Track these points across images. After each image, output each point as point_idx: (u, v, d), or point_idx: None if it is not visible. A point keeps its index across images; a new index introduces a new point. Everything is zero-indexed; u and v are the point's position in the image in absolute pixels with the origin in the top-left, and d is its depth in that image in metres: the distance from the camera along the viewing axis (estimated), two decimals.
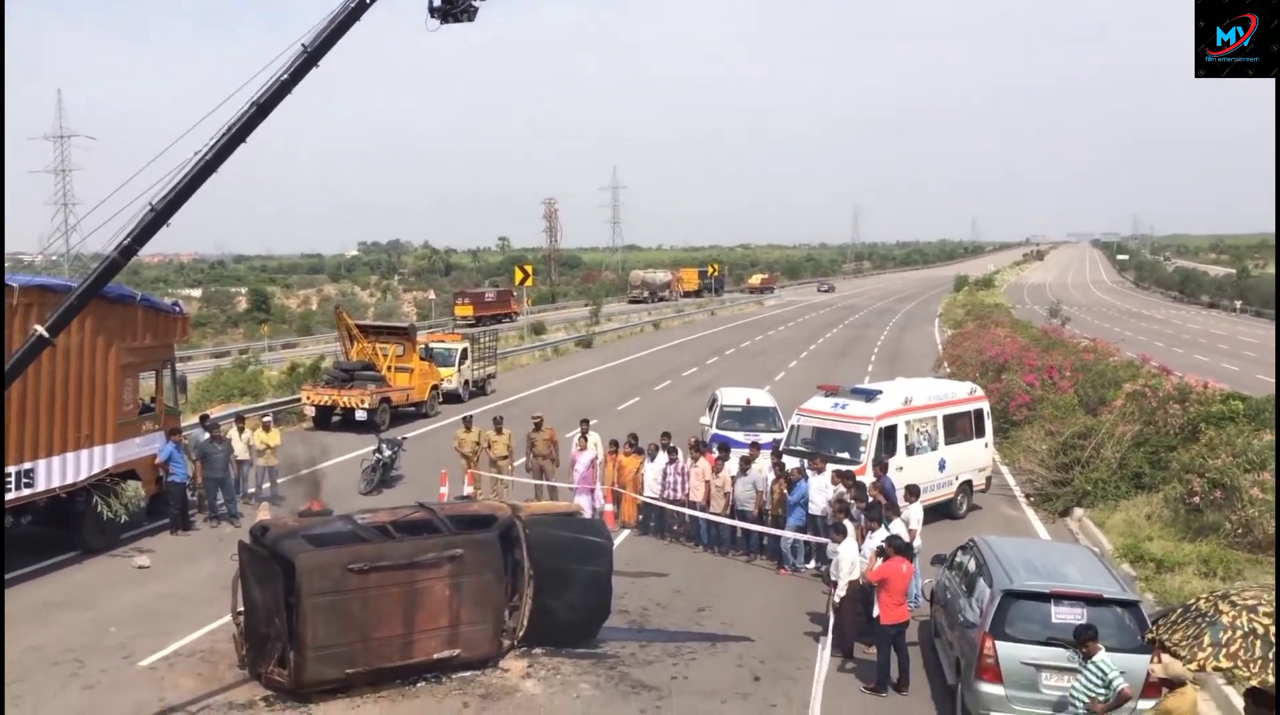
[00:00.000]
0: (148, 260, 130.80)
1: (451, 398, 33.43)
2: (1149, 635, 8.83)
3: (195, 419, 21.84)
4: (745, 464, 17.63)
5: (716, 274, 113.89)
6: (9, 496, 15.00)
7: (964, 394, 21.16)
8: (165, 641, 13.12)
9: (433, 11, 12.02)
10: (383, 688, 11.80)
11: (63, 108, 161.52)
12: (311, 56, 11.01)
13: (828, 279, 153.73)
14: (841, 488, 15.86)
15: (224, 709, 11.33)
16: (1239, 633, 7.32)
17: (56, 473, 15.82)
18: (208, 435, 19.07)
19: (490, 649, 12.58)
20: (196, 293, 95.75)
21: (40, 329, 10.20)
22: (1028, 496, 22.06)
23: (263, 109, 10.82)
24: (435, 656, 12.13)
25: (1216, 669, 7.47)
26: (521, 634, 13.01)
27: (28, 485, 15.31)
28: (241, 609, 12.35)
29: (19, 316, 14.47)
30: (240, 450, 19.86)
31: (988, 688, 10.61)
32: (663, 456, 18.59)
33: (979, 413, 20.96)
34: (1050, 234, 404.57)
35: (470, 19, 12.16)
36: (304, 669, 11.35)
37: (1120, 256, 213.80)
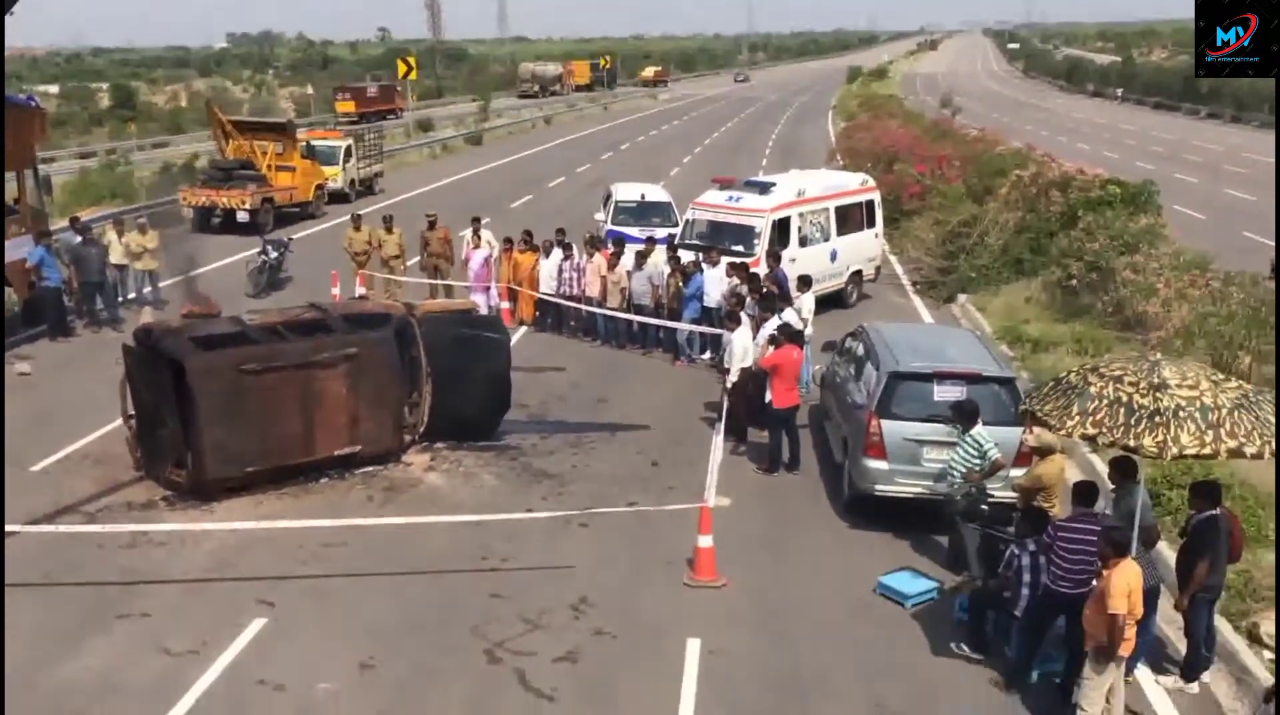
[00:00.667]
0: None
1: (338, 198, 32.35)
2: (1022, 408, 9.33)
3: (65, 223, 20.76)
4: (641, 259, 17.66)
5: (609, 67, 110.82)
6: None
7: (856, 185, 21.35)
8: (56, 446, 12.89)
9: None
10: (285, 485, 11.88)
11: None
12: None
13: (743, 70, 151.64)
14: (736, 280, 16.06)
15: (123, 509, 11.30)
16: (1105, 402, 7.73)
17: None
18: (79, 238, 18.19)
19: (391, 444, 12.70)
20: (54, 89, 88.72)
21: None
22: (915, 284, 22.74)
23: None
24: (336, 453, 12.21)
25: (1083, 436, 7.93)
26: (422, 430, 13.14)
27: None
28: (132, 412, 12.15)
29: None
30: (117, 254, 19.03)
31: (873, 463, 11.18)
32: (558, 253, 18.45)
33: (870, 204, 21.22)
34: (944, 23, 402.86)
35: None
36: (204, 469, 11.32)
37: (1011, 45, 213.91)
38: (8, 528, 10.21)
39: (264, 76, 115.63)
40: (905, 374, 11.36)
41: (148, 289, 19.53)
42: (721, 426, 13.52)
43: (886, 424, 11.12)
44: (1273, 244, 19.33)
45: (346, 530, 10.78)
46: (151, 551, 10.45)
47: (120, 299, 19.10)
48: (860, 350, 12.71)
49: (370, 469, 12.43)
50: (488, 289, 19.23)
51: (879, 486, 11.23)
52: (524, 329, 18.70)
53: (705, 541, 10.09)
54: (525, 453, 13.24)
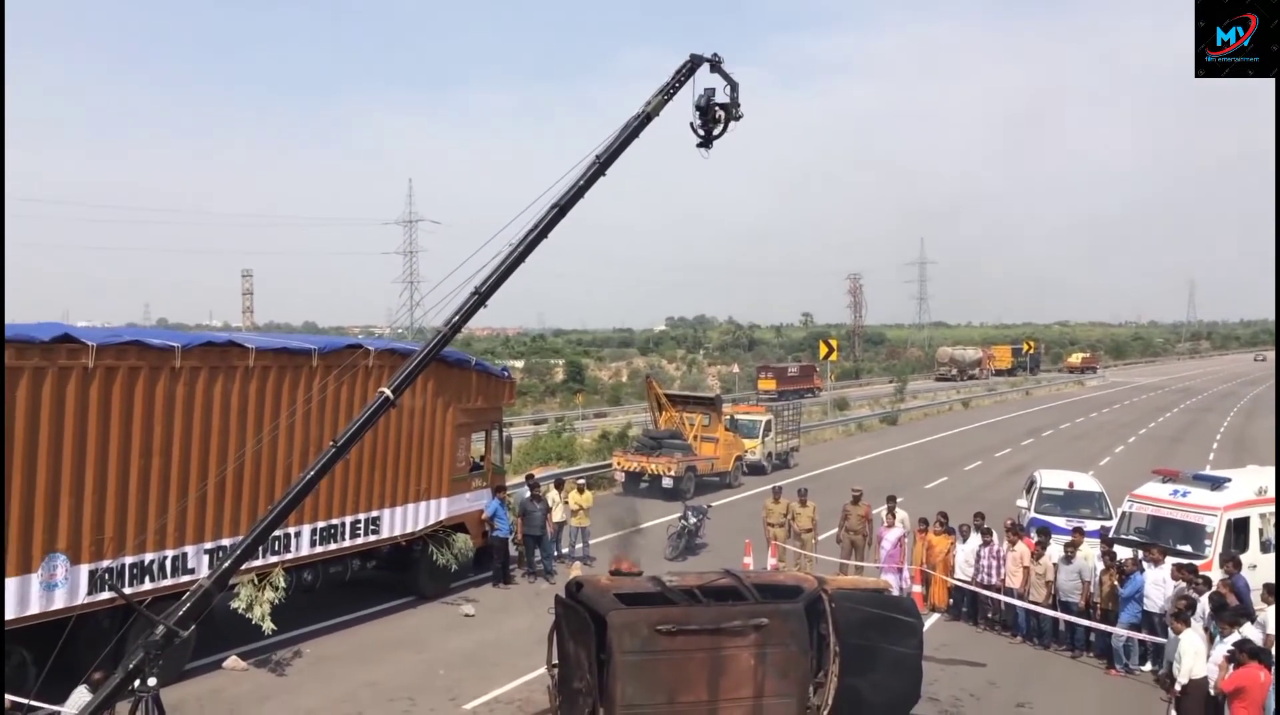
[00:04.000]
0: (479, 332, 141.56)
1: (755, 469, 33.58)
2: None
3: (521, 478, 23.17)
4: (1069, 550, 16.41)
5: (1032, 351, 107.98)
6: (360, 541, 16.54)
7: None
8: (488, 687, 13.89)
9: (701, 144, 12.42)
10: None
11: (413, 195, 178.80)
12: (602, 167, 11.76)
13: (1261, 352, 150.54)
14: (1183, 583, 14.39)
15: None
16: None
17: (399, 522, 17.28)
18: (529, 493, 20.19)
19: None
20: (519, 363, 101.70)
21: (386, 391, 11.18)
22: None
23: (562, 210, 11.66)
24: None
25: None
26: (826, 712, 12.63)
27: (374, 532, 16.81)
28: (556, 661, 12.82)
29: (373, 377, 16.05)
30: (558, 512, 20.80)
31: None
32: (976, 537, 17.66)
33: None
34: None
35: (729, 129, 12.46)
36: None
37: None
38: None
39: (695, 356, 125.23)
40: None
41: (580, 545, 21.08)
42: None
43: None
44: None
45: None
46: None
47: (555, 553, 20.71)
48: None
49: None
50: (900, 570, 18.68)
51: None
52: (936, 616, 17.80)
53: None
54: None
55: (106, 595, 12.50)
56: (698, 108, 12.27)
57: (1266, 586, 13.91)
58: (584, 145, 12.11)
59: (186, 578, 13.40)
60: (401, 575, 18.10)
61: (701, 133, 12.41)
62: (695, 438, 31.17)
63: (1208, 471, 20.04)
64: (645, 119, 11.96)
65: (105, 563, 12.68)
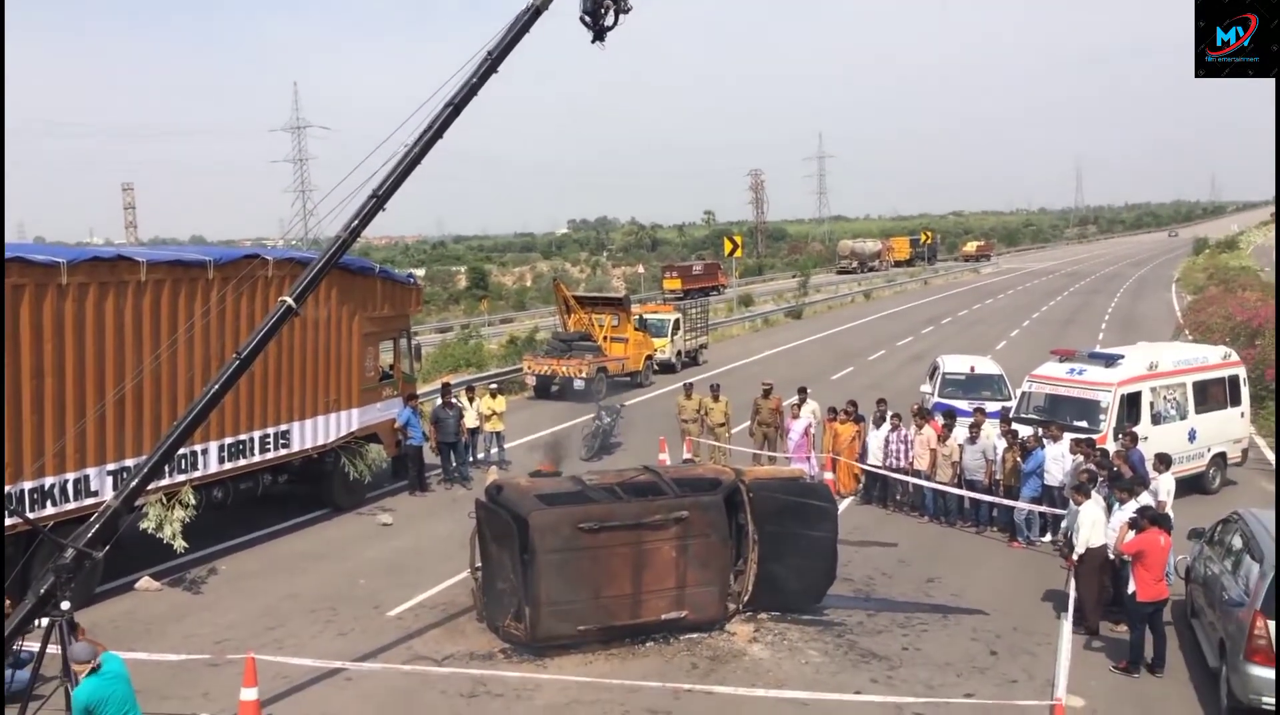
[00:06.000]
0: (376, 242, 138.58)
1: (665, 368, 33.78)
2: None
3: (438, 385, 22.90)
4: (975, 431, 16.95)
5: (929, 242, 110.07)
6: (270, 456, 16.20)
7: (1216, 359, 19.60)
8: (410, 594, 13.86)
9: (595, 38, 12.17)
10: (613, 645, 12.02)
11: (299, 101, 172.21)
12: (494, 62, 11.46)
13: (1174, 228, 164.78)
14: (1080, 457, 15.00)
15: (466, 659, 11.83)
16: None
17: (309, 435, 16.95)
18: (440, 401, 19.97)
19: (716, 612, 12.60)
20: (420, 272, 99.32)
21: (288, 299, 10.85)
22: None
23: (457, 108, 11.42)
24: (663, 617, 12.24)
25: None
26: (747, 598, 12.97)
27: (284, 446, 16.46)
28: (479, 565, 12.86)
29: (273, 288, 15.53)
30: (471, 417, 20.65)
31: (1259, 671, 9.77)
32: (886, 424, 18.11)
33: (1233, 380, 19.36)
34: None
35: (619, 21, 12.23)
36: (539, 624, 11.70)
37: None
38: (364, 665, 10.98)
39: (599, 258, 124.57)
40: None
41: (495, 450, 21.02)
42: (1069, 616, 12.40)
43: (1276, 626, 9.74)
44: None
45: (671, 698, 10.70)
46: (489, 702, 10.80)
47: (470, 459, 20.62)
48: (1237, 540, 11.36)
49: (694, 635, 12.34)
50: (808, 458, 19.08)
51: (1266, 698, 9.77)
52: (848, 500, 18.29)
53: None
54: (851, 630, 12.70)
55: (8, 521, 12.04)
56: (586, 11, 12.02)
57: (1158, 456, 14.62)
58: (477, 42, 11.72)
59: (91, 501, 12.98)
60: (315, 488, 17.85)
61: (593, 27, 12.16)
62: (605, 339, 31.13)
63: (1102, 350, 20.77)
64: (535, 12, 11.70)
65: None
